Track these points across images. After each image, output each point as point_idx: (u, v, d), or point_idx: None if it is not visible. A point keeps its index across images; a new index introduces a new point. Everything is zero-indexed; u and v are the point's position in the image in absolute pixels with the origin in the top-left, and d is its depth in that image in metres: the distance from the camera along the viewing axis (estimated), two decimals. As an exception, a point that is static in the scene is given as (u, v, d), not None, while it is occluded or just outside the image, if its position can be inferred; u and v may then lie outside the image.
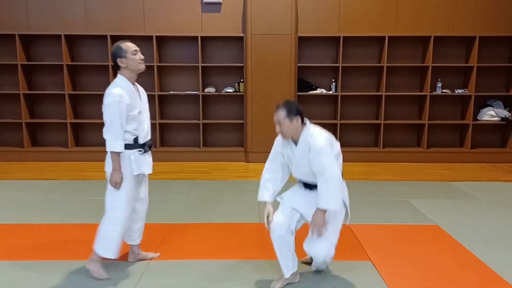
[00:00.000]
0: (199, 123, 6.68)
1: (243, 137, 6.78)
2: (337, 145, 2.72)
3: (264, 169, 2.84)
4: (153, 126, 6.60)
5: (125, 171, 2.80)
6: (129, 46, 2.84)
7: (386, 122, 6.65)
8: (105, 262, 3.08)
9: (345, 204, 2.77)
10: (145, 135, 2.90)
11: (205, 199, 4.69)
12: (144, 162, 2.90)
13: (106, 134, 2.76)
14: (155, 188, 5.14)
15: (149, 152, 2.97)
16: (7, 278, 2.87)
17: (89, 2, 6.57)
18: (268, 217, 2.71)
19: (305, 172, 2.70)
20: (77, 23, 6.59)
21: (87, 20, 6.60)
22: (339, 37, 6.44)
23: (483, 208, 4.45)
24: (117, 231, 2.84)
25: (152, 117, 6.66)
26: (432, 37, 6.40)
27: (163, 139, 6.90)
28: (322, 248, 2.70)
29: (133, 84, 2.89)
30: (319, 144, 2.58)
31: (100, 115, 6.78)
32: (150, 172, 2.95)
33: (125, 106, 2.74)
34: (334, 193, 2.58)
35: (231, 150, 6.78)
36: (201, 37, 6.42)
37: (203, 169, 6.15)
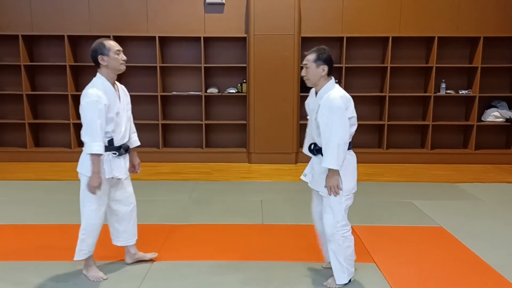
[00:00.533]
0: (202, 124, 6.66)
1: (245, 138, 6.77)
2: (354, 111, 2.70)
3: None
4: (155, 126, 6.59)
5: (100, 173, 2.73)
6: (113, 45, 2.77)
7: (389, 123, 6.62)
8: (107, 264, 3.08)
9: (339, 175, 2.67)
10: (121, 138, 2.82)
11: (207, 200, 4.68)
12: (117, 166, 2.81)
13: (85, 136, 2.67)
14: (157, 188, 5.16)
15: (125, 156, 2.89)
16: (8, 279, 2.86)
17: (92, 3, 6.58)
18: None
19: (313, 128, 2.70)
20: (80, 24, 6.60)
21: (90, 21, 6.61)
22: (343, 37, 6.42)
23: (487, 209, 4.42)
24: (86, 233, 2.80)
25: (155, 118, 6.71)
26: (436, 38, 6.37)
27: (166, 139, 6.89)
28: (328, 219, 2.68)
29: (113, 84, 2.83)
30: (332, 100, 2.55)
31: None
32: (123, 176, 2.85)
33: (103, 107, 2.66)
34: (336, 152, 2.54)
35: (234, 151, 6.76)
36: (203, 37, 6.42)
37: (206, 170, 6.13)
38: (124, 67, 2.84)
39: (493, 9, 6.56)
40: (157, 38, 6.38)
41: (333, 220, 2.68)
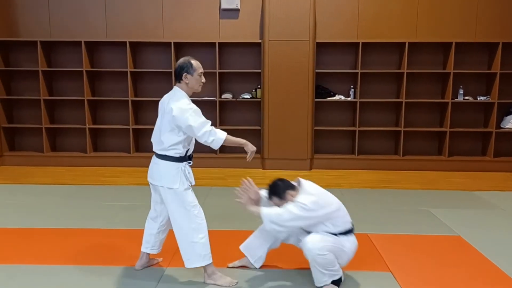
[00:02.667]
0: (216, 129, 6.66)
1: (260, 144, 6.75)
2: (335, 205, 2.81)
3: None
4: (170, 132, 6.61)
5: (185, 183, 2.82)
6: (199, 66, 2.90)
7: (406, 129, 6.54)
8: (117, 268, 3.07)
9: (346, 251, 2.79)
10: (191, 147, 2.94)
11: (221, 205, 4.66)
12: (191, 173, 2.92)
13: (204, 136, 2.77)
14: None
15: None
16: (23, 282, 2.88)
17: (109, 10, 6.66)
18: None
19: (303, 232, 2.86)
20: (97, 30, 6.69)
21: (107, 27, 6.69)
22: (358, 43, 6.37)
23: (507, 218, 4.31)
24: (205, 236, 2.86)
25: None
26: (454, 43, 6.28)
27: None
28: (310, 238, 2.71)
29: None
30: (301, 200, 2.71)
31: (118, 120, 6.83)
32: (194, 183, 2.95)
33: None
34: (276, 214, 2.69)
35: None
36: (218, 43, 6.44)
37: (219, 175, 6.13)
38: (201, 88, 2.97)
39: (511, 14, 6.45)
40: (172, 44, 6.43)
41: (316, 242, 2.70)
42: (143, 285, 2.87)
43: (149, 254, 3.10)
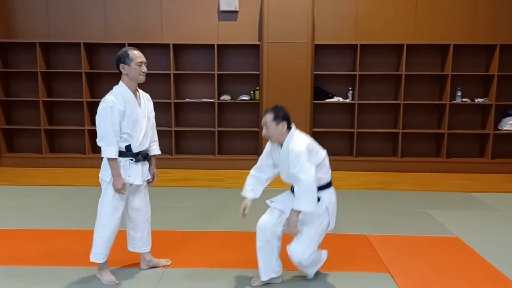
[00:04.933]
0: (215, 131, 6.68)
1: (258, 145, 6.76)
2: (322, 152, 2.80)
3: (254, 166, 3.00)
4: (168, 133, 6.62)
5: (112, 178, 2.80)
6: (136, 55, 2.86)
7: (404, 131, 6.55)
8: (120, 270, 3.08)
9: (327, 211, 2.78)
10: (139, 144, 2.85)
11: (220, 207, 4.67)
12: (135, 172, 2.84)
13: (100, 141, 2.76)
14: (170, 195, 5.17)
15: (144, 163, 2.92)
16: (23, 284, 2.88)
17: (108, 11, 6.67)
18: (244, 209, 2.88)
19: (288, 175, 2.77)
20: (96, 32, 6.69)
21: (106, 28, 6.70)
22: (356, 45, 6.39)
23: (505, 220, 4.32)
24: (104, 237, 2.84)
25: (168, 124, 6.74)
26: (452, 45, 6.30)
27: (179, 146, 6.92)
28: (295, 249, 2.76)
29: (135, 91, 2.92)
30: (297, 149, 2.67)
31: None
32: (140, 183, 2.88)
33: (117, 112, 2.73)
34: (306, 195, 2.63)
35: (246, 158, 6.75)
36: (217, 45, 6.45)
37: (218, 177, 6.13)
38: (143, 78, 2.94)
39: (509, 16, 6.48)
40: (171, 46, 6.43)
41: (301, 253, 2.74)
42: (142, 285, 2.88)
43: (148, 254, 3.10)
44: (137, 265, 3.14)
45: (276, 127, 2.75)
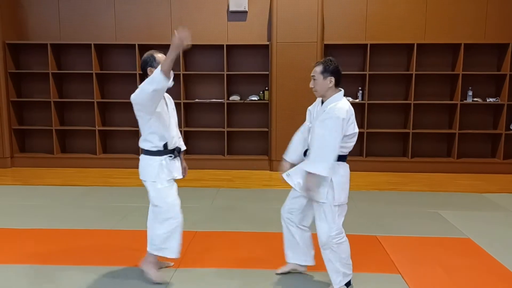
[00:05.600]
0: (224, 131, 6.69)
1: (267, 146, 6.76)
2: (356, 127, 2.72)
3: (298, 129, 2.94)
4: (178, 133, 6.64)
5: (162, 176, 2.84)
6: (162, 58, 2.88)
7: (414, 131, 6.51)
8: (128, 269, 3.09)
9: (332, 184, 2.67)
10: (173, 141, 2.93)
11: (229, 207, 4.68)
12: (176, 167, 2.94)
13: (149, 83, 2.65)
14: (179, 195, 5.17)
15: (178, 158, 3.00)
16: (32, 282, 2.91)
17: (118, 13, 6.72)
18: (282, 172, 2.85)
19: (313, 135, 2.73)
20: (106, 33, 6.74)
21: (116, 30, 6.75)
22: (366, 44, 6.36)
23: (517, 221, 4.27)
24: (168, 233, 2.87)
25: (178, 125, 6.75)
26: (463, 45, 6.24)
27: (188, 146, 6.93)
28: (320, 227, 2.71)
29: None
30: (336, 113, 2.59)
31: (128, 122, 6.88)
32: (181, 176, 2.98)
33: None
34: (322, 158, 2.57)
35: (256, 158, 6.76)
36: (226, 45, 6.46)
37: (227, 177, 6.14)
38: (170, 82, 2.89)
39: (522, 15, 6.41)
40: (181, 46, 6.45)
41: (328, 229, 2.69)
42: (152, 286, 2.89)
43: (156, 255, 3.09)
44: (136, 264, 3.12)
45: (324, 80, 2.68)
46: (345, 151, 2.73)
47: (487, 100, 6.49)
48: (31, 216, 4.33)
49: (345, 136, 2.64)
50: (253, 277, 3.02)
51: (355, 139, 2.75)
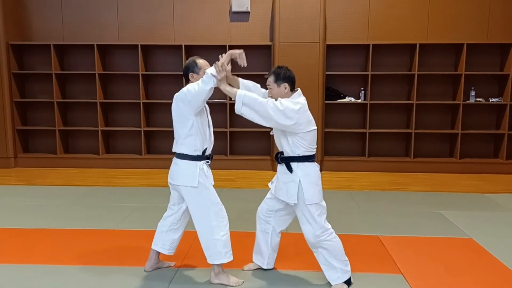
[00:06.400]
0: (227, 131, 6.70)
1: (270, 146, 6.76)
2: (314, 125, 2.81)
3: None
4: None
5: (205, 180, 2.82)
6: (204, 64, 2.92)
7: (417, 131, 6.50)
8: (130, 269, 3.10)
9: (299, 183, 2.73)
10: (210, 147, 2.94)
11: (231, 207, 4.66)
12: (210, 173, 2.93)
13: (202, 85, 2.75)
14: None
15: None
16: (35, 281, 2.93)
17: (120, 13, 6.74)
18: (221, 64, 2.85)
19: (279, 136, 2.82)
20: (109, 33, 6.77)
21: (119, 30, 6.77)
22: (369, 45, 6.36)
23: (520, 221, 4.27)
24: (227, 232, 2.88)
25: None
26: (465, 45, 6.24)
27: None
28: (304, 229, 2.79)
29: None
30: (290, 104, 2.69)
31: (130, 122, 6.88)
32: (214, 183, 2.94)
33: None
34: (255, 103, 2.70)
35: (258, 158, 6.77)
36: (229, 46, 6.47)
37: (230, 177, 6.15)
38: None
39: (525, 15, 6.39)
40: (183, 47, 6.47)
41: (312, 229, 2.76)
42: (154, 285, 2.90)
43: (158, 255, 3.09)
44: (139, 264, 3.14)
45: (278, 88, 2.78)
46: (312, 150, 2.80)
47: (490, 100, 6.48)
48: (34, 215, 4.35)
49: (303, 132, 2.73)
50: (253, 276, 3.02)
51: (313, 136, 2.80)
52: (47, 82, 6.74)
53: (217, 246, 2.83)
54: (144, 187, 5.55)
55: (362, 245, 3.60)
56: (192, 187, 2.80)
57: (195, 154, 2.82)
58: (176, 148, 2.88)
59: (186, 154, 2.82)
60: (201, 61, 2.94)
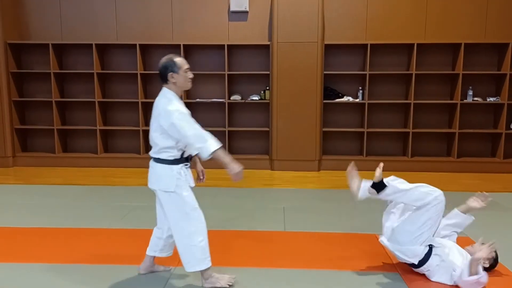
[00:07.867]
0: (225, 131, 6.71)
1: (268, 145, 6.78)
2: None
3: None
4: (179, 133, 6.67)
5: (183, 184, 2.73)
6: (183, 63, 2.81)
7: (414, 130, 6.52)
8: (126, 268, 3.11)
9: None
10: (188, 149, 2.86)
11: (229, 206, 4.70)
12: (189, 176, 2.84)
13: (200, 142, 2.65)
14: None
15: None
16: (32, 280, 2.94)
17: (119, 13, 6.74)
18: None
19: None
20: (107, 33, 6.77)
21: (118, 29, 6.77)
22: (367, 44, 6.38)
23: (517, 220, 4.28)
24: (205, 238, 2.77)
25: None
26: (463, 44, 6.26)
27: (189, 146, 6.96)
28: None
29: (180, 98, 2.88)
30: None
31: (128, 122, 6.89)
32: (194, 185, 2.87)
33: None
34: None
35: (257, 157, 6.78)
36: (227, 45, 6.48)
37: (228, 176, 6.13)
38: (191, 84, 2.89)
39: (522, 14, 6.42)
40: (181, 46, 6.48)
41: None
42: (150, 285, 2.90)
43: (153, 258, 3.03)
44: (137, 263, 3.11)
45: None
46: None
47: (487, 100, 6.50)
48: (32, 214, 4.36)
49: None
50: (248, 275, 3.03)
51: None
52: (46, 81, 6.74)
53: (194, 253, 2.72)
54: (143, 186, 5.54)
55: (359, 243, 3.62)
56: (167, 191, 2.72)
57: (171, 158, 2.73)
58: (152, 153, 2.77)
59: (162, 159, 2.73)
60: (181, 60, 2.82)
